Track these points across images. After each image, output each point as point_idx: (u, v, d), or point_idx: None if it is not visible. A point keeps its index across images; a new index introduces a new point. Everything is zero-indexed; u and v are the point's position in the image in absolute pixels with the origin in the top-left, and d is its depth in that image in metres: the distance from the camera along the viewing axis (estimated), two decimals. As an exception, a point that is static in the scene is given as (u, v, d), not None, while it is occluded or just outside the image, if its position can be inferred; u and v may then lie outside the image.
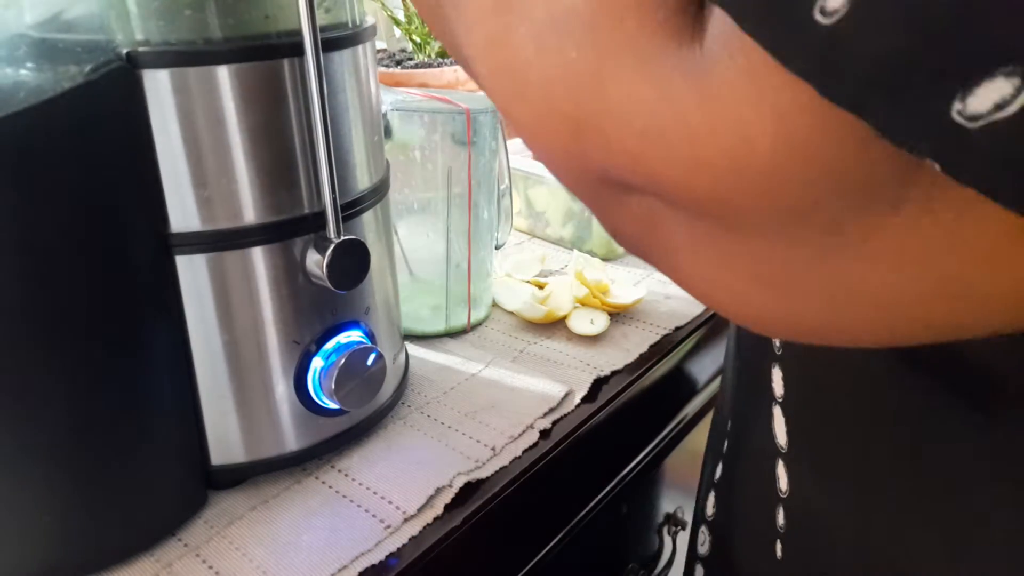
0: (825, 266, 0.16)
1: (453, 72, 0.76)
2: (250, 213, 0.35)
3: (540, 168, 0.69)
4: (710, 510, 0.38)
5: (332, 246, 0.36)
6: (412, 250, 0.53)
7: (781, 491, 0.31)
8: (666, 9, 0.15)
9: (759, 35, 0.13)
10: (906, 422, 0.26)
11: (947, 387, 0.24)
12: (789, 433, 0.31)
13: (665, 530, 0.65)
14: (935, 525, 0.26)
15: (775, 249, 0.16)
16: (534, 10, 0.17)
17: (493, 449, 0.43)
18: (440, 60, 0.80)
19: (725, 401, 0.39)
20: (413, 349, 0.53)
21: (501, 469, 0.41)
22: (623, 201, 0.19)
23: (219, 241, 0.35)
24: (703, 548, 0.39)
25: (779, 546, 0.32)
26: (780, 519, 0.32)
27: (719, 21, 0.14)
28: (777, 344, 0.31)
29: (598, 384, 0.49)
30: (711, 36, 0.14)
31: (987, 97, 0.11)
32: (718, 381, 0.61)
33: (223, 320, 0.37)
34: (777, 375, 0.31)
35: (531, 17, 0.17)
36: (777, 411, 0.31)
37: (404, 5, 0.80)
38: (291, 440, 0.40)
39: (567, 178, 0.19)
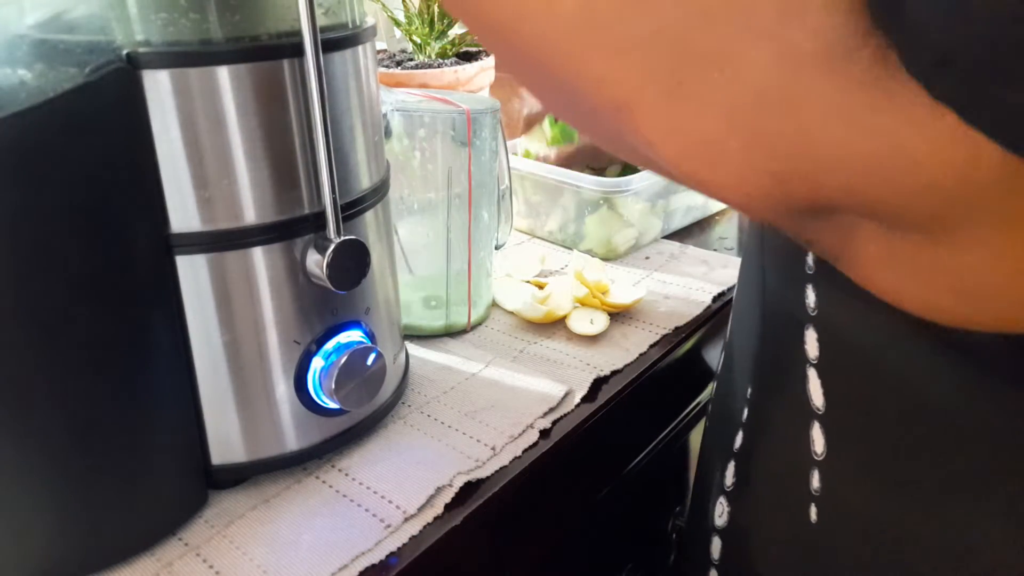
0: (1005, 266, 0.18)
1: (453, 72, 0.76)
2: (250, 213, 0.35)
3: (542, 168, 0.69)
4: (729, 480, 0.38)
5: (332, 246, 0.36)
6: (412, 250, 0.53)
7: (816, 453, 0.32)
8: (860, 65, 0.16)
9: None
10: (948, 380, 0.27)
11: (985, 358, 0.26)
12: (826, 394, 0.31)
13: (665, 530, 0.65)
14: (975, 487, 0.27)
15: (972, 259, 0.18)
16: (727, 93, 0.18)
17: (493, 449, 0.43)
18: (440, 61, 0.80)
19: (739, 367, 0.39)
20: (413, 349, 0.53)
21: (501, 469, 0.42)
22: (822, 219, 0.20)
23: (219, 241, 0.35)
24: (720, 520, 0.39)
25: (814, 509, 0.32)
26: (815, 482, 0.32)
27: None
28: (811, 305, 0.32)
29: (598, 384, 0.49)
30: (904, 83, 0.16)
31: None
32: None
33: (223, 320, 0.37)
34: (811, 336, 0.32)
35: (723, 101, 0.18)
36: (812, 373, 0.32)
37: (404, 5, 0.80)
38: (291, 440, 0.40)
39: (760, 216, 0.21)
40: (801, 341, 0.32)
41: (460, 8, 0.22)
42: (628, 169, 0.71)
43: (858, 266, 0.21)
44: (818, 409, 0.32)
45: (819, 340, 0.32)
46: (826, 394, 0.31)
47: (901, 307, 0.21)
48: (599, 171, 0.71)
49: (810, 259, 0.32)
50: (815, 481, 0.32)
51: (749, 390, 0.37)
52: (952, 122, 0.15)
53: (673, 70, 0.18)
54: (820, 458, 0.32)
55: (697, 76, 0.18)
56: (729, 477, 0.38)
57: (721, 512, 0.39)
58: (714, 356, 0.60)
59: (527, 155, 0.75)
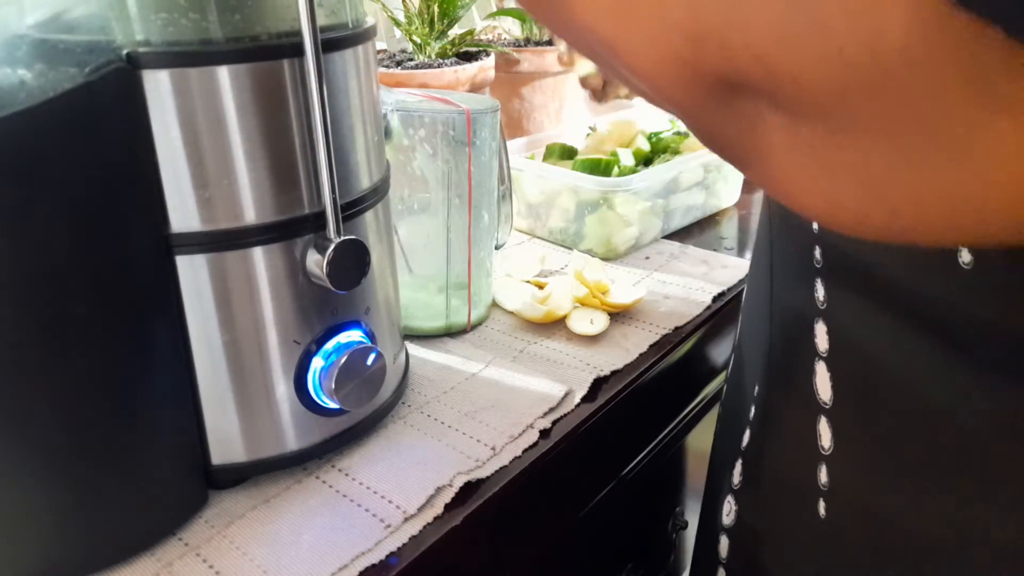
0: (928, 169, 0.17)
1: (453, 72, 0.76)
2: (250, 213, 0.35)
3: (542, 168, 0.69)
4: (736, 479, 0.38)
5: (332, 246, 0.36)
6: (412, 250, 0.53)
7: (824, 448, 0.32)
8: None
9: None
10: (948, 379, 0.27)
11: (989, 350, 0.26)
12: (835, 388, 0.31)
13: (665, 530, 0.65)
14: (980, 479, 0.27)
15: (880, 151, 0.17)
16: None
17: (493, 449, 0.43)
18: (440, 61, 0.80)
19: (747, 367, 0.39)
20: (413, 349, 0.53)
21: (501, 469, 0.42)
22: (727, 105, 0.19)
23: (219, 241, 0.35)
24: (728, 519, 0.39)
25: (822, 504, 0.32)
26: (823, 477, 0.32)
27: None
28: (821, 298, 0.31)
29: (598, 384, 0.49)
30: None
31: None
32: (718, 381, 0.61)
33: (223, 320, 0.37)
34: (821, 330, 0.32)
35: None
36: (821, 367, 0.32)
37: (404, 5, 0.80)
38: (291, 440, 0.40)
39: (668, 88, 0.20)
40: (811, 335, 0.32)
41: None
42: (628, 169, 0.71)
43: (764, 163, 0.20)
44: (825, 403, 0.32)
45: (829, 333, 0.31)
46: (834, 388, 0.31)
47: (806, 212, 0.20)
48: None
49: (818, 252, 0.32)
50: (823, 476, 0.32)
51: (756, 388, 0.37)
52: None
53: None
54: (828, 453, 0.32)
55: None
56: (736, 476, 0.38)
57: (729, 511, 0.39)
58: (714, 356, 0.60)
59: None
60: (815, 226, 0.32)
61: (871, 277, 0.29)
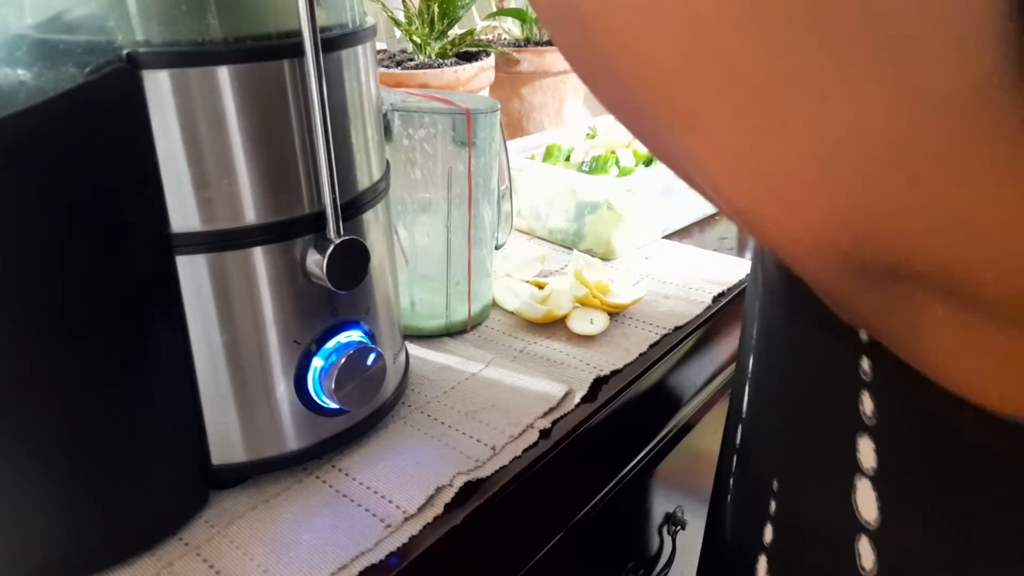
0: None
1: (453, 73, 0.76)
2: (251, 213, 0.35)
3: (542, 168, 0.69)
4: (762, 574, 0.34)
5: (332, 246, 0.36)
6: (412, 250, 0.53)
7: (864, 568, 0.27)
8: (1003, 115, 0.13)
9: None
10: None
11: None
12: (881, 509, 0.27)
13: (665, 530, 0.65)
14: None
15: None
16: (829, 128, 0.14)
17: (493, 449, 0.43)
18: (440, 61, 0.80)
19: (764, 455, 0.34)
20: (413, 349, 0.53)
21: (501, 468, 0.42)
22: (877, 288, 0.17)
23: (219, 241, 0.35)
24: None
25: None
26: None
27: None
28: (868, 413, 0.27)
29: (598, 384, 0.49)
30: None
31: None
32: (718, 381, 0.61)
33: (223, 320, 0.37)
34: (867, 446, 0.27)
35: (821, 136, 0.14)
36: (864, 484, 0.27)
37: (404, 5, 0.80)
38: (291, 440, 0.40)
39: (806, 264, 0.16)
40: (852, 450, 0.27)
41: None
42: (628, 169, 0.71)
43: (923, 352, 0.18)
44: (868, 524, 0.27)
45: (877, 452, 0.26)
46: (881, 509, 0.27)
47: (976, 400, 0.18)
48: None
49: (865, 364, 0.27)
50: None
51: (775, 484, 0.33)
52: None
53: (764, 80, 0.14)
54: (870, 573, 0.27)
55: (794, 100, 0.14)
56: (762, 572, 0.34)
57: None
58: (715, 355, 0.60)
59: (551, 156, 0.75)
60: (863, 335, 0.26)
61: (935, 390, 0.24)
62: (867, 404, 0.27)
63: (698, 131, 0.15)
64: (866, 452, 0.27)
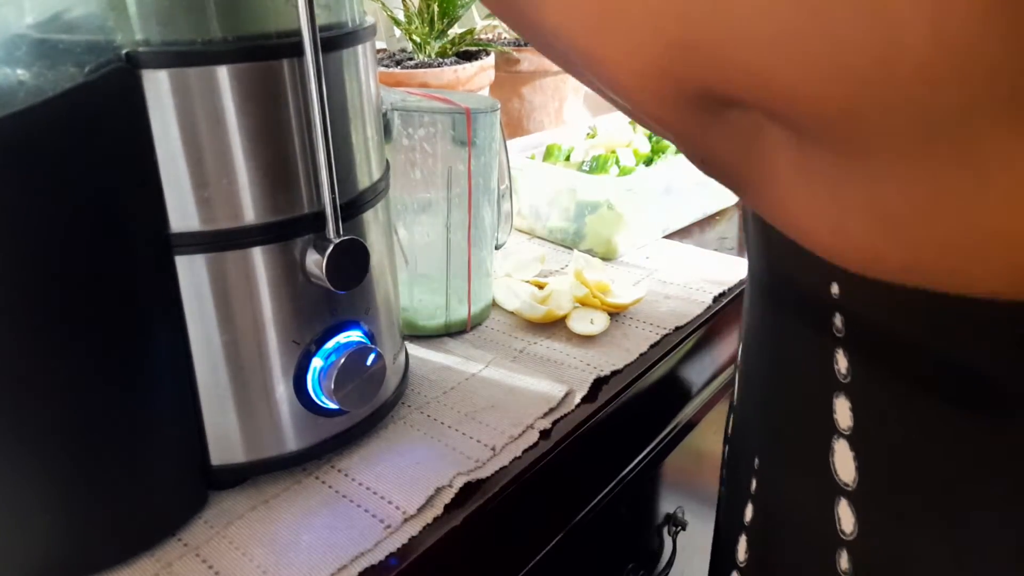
0: (949, 201, 0.15)
1: (453, 72, 0.76)
2: (250, 213, 0.35)
3: (542, 168, 0.69)
4: (742, 556, 0.35)
5: (331, 246, 0.36)
6: (412, 250, 0.53)
7: (844, 532, 0.28)
8: None
9: None
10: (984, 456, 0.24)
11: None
12: (858, 469, 0.27)
13: (665, 530, 0.65)
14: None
15: (896, 179, 0.15)
16: None
17: (493, 449, 0.43)
18: (440, 60, 0.80)
19: (748, 435, 0.35)
20: (413, 349, 0.53)
21: (501, 469, 0.41)
22: (721, 122, 0.17)
23: (219, 241, 0.35)
24: None
25: None
26: (843, 563, 0.29)
27: None
28: (843, 371, 0.27)
29: (598, 384, 0.49)
30: None
31: None
32: (719, 381, 0.61)
33: (223, 320, 0.37)
34: (843, 405, 0.28)
35: None
36: (841, 445, 0.28)
37: (404, 5, 0.80)
38: (291, 440, 0.40)
39: (648, 102, 0.17)
40: (829, 411, 0.28)
41: None
42: (628, 169, 0.71)
43: (765, 185, 0.18)
44: (847, 485, 0.28)
45: (853, 410, 0.27)
46: (857, 468, 0.27)
47: (810, 241, 0.18)
48: None
49: (838, 320, 0.28)
50: (843, 563, 0.29)
51: (756, 461, 0.34)
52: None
53: None
54: (850, 538, 0.28)
55: None
56: (742, 552, 0.35)
57: None
58: (715, 355, 0.60)
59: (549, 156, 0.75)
60: (834, 289, 0.27)
61: (903, 340, 0.25)
62: (841, 363, 0.27)
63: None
64: (842, 412, 0.27)
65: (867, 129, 0.15)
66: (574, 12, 0.17)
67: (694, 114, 0.17)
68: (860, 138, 0.15)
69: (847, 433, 0.28)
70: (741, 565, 0.36)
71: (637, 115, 0.19)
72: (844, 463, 0.28)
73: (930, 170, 0.15)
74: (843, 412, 0.28)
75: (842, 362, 0.27)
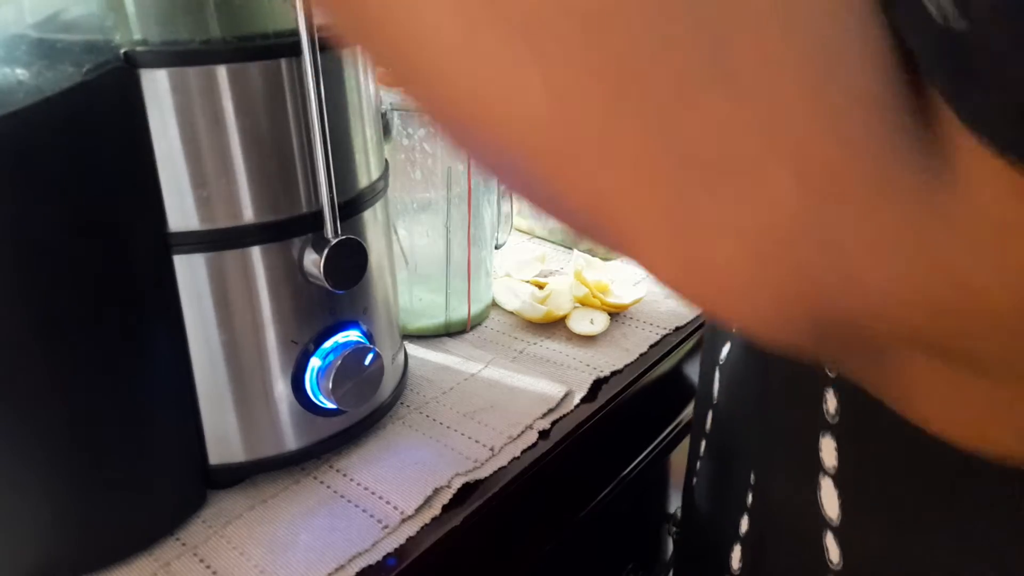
0: None
1: (454, 72, 0.76)
2: (248, 212, 0.35)
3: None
4: (736, 564, 0.36)
5: (329, 246, 0.36)
6: (412, 250, 0.53)
7: (831, 562, 0.29)
8: (906, 179, 0.13)
9: None
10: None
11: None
12: (842, 507, 0.29)
13: (665, 530, 0.65)
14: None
15: None
16: (747, 217, 0.14)
17: (492, 450, 0.42)
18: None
19: (738, 448, 0.36)
20: (412, 349, 0.53)
21: (500, 469, 0.41)
22: (847, 345, 0.17)
23: (217, 241, 0.35)
24: None
25: None
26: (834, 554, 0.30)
27: (974, 160, 0.13)
28: (831, 411, 0.28)
29: (598, 384, 0.49)
30: (967, 175, 0.13)
31: None
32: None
33: (221, 319, 0.37)
34: (828, 445, 0.29)
35: (742, 226, 0.14)
36: (827, 483, 0.29)
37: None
38: (289, 440, 0.40)
39: (791, 338, 0.17)
40: (815, 449, 0.29)
41: (418, 91, 0.16)
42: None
43: (899, 396, 0.18)
44: (831, 521, 0.29)
45: (838, 451, 0.29)
46: (842, 506, 0.29)
47: (949, 439, 0.18)
48: None
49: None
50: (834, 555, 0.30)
51: (753, 477, 0.34)
52: (1018, 243, 0.13)
53: (674, 186, 0.14)
54: (836, 568, 0.29)
55: (705, 195, 0.14)
56: (735, 561, 0.36)
57: None
58: (714, 357, 0.60)
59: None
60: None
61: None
62: (831, 403, 0.28)
63: (626, 236, 0.16)
64: (828, 451, 0.29)
65: (1015, 364, 0.15)
66: (692, 279, 0.16)
67: (820, 342, 0.17)
68: (1009, 371, 0.15)
69: (832, 472, 0.29)
70: (736, 572, 0.36)
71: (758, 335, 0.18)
72: (829, 499, 0.29)
73: None
74: (829, 451, 0.29)
75: (831, 402, 0.28)
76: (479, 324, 0.56)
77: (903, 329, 0.15)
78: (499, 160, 0.16)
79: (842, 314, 0.15)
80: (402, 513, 0.38)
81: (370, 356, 0.40)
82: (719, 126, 0.13)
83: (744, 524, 0.35)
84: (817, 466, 0.29)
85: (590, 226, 0.16)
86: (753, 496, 0.34)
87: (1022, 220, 0.13)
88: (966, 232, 0.13)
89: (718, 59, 0.13)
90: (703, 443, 0.40)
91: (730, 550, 0.36)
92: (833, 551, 0.29)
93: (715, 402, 0.38)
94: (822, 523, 0.29)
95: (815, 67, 0.13)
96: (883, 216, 0.14)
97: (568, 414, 0.46)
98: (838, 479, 0.29)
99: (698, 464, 0.41)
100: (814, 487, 0.29)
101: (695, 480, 0.42)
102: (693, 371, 0.58)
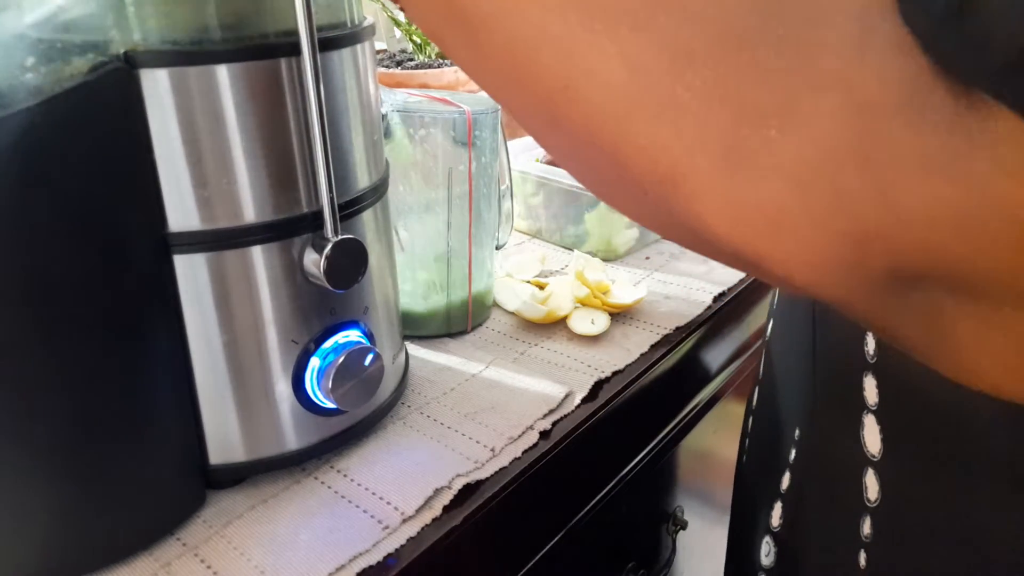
0: None
1: (453, 73, 0.76)
2: (249, 212, 0.35)
3: (542, 169, 0.69)
4: (776, 521, 0.38)
5: (329, 245, 0.36)
6: (412, 250, 0.53)
7: (869, 500, 0.31)
8: (934, 107, 0.15)
9: None
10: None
11: None
12: (884, 440, 0.30)
13: (665, 530, 0.65)
14: None
15: None
16: (790, 153, 0.16)
17: (492, 450, 0.42)
18: (440, 61, 0.80)
19: (782, 407, 0.38)
20: (413, 349, 0.53)
21: (500, 470, 0.41)
22: (904, 299, 0.18)
23: (218, 240, 0.35)
24: (767, 559, 0.39)
25: (863, 555, 0.32)
26: (866, 528, 0.31)
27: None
28: (871, 352, 0.30)
29: (599, 385, 0.49)
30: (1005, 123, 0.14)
31: None
32: (719, 380, 0.61)
33: (222, 319, 0.36)
34: (871, 384, 0.31)
35: (785, 162, 0.16)
36: (870, 419, 0.31)
37: (405, 5, 0.80)
38: (290, 440, 0.40)
39: (834, 291, 0.18)
40: (860, 388, 0.31)
41: (500, 78, 0.19)
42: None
43: (948, 353, 0.19)
44: (873, 456, 0.31)
45: (879, 387, 0.30)
46: (883, 440, 0.30)
47: (1003, 396, 0.19)
48: None
49: None
50: (866, 528, 0.32)
51: (797, 432, 0.36)
52: None
53: (725, 131, 0.16)
54: (873, 505, 0.31)
55: (754, 136, 0.16)
56: (776, 518, 0.38)
57: (768, 552, 0.38)
58: (715, 355, 0.60)
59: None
60: None
61: None
62: (870, 343, 0.31)
63: (679, 187, 0.17)
64: (870, 389, 0.31)
65: None
66: (736, 220, 0.17)
67: (880, 296, 0.18)
68: None
69: (874, 409, 0.31)
70: (775, 530, 0.38)
71: (818, 295, 0.19)
72: (872, 436, 0.31)
73: None
74: (870, 390, 0.31)
75: (870, 343, 0.30)
76: (480, 325, 0.56)
77: (946, 261, 0.16)
78: (573, 134, 0.18)
79: (885, 250, 0.16)
80: (403, 513, 0.38)
81: (370, 356, 0.40)
82: (769, 75, 0.15)
83: (785, 481, 0.37)
84: (861, 404, 0.31)
85: (651, 186, 0.18)
86: (796, 451, 0.36)
87: None
88: (1002, 157, 0.14)
89: (769, 23, 0.15)
90: (750, 420, 0.43)
91: (771, 510, 0.38)
92: (872, 488, 0.31)
93: (760, 378, 0.41)
94: (863, 460, 0.31)
95: (858, 21, 0.15)
96: (918, 142, 0.15)
97: (569, 414, 0.46)
98: (879, 414, 0.30)
99: (746, 442, 0.43)
100: (857, 426, 0.31)
101: (744, 457, 0.44)
102: (693, 371, 0.58)
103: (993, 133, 0.15)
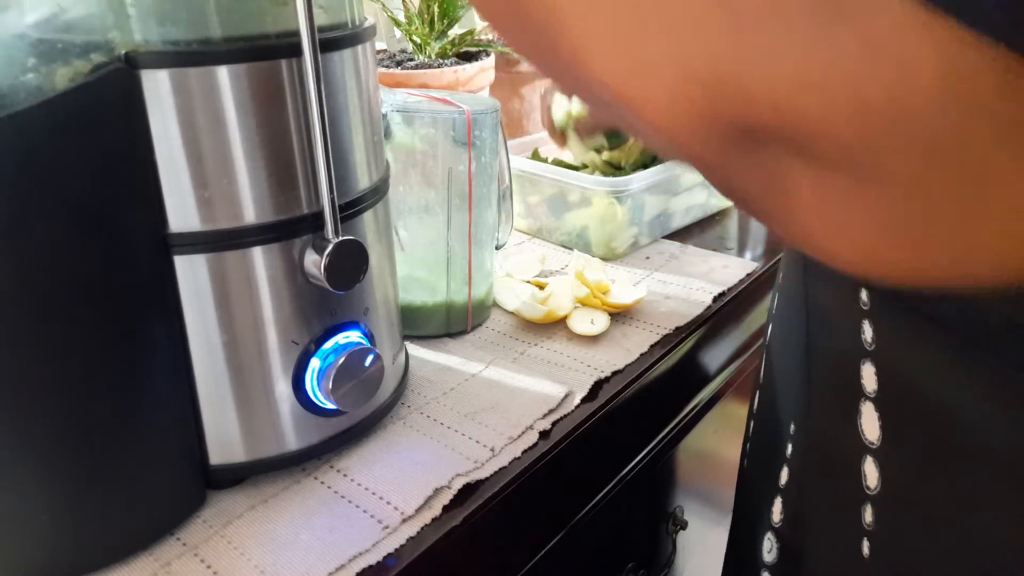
0: (963, 214, 0.17)
1: (453, 73, 0.76)
2: (249, 213, 0.35)
3: (542, 168, 0.69)
4: (776, 516, 0.38)
5: (330, 246, 0.36)
6: (412, 251, 0.53)
7: (869, 488, 0.31)
8: None
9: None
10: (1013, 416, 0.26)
11: None
12: (883, 428, 0.31)
13: (665, 530, 0.65)
14: None
15: (912, 198, 0.17)
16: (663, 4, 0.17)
17: (492, 450, 0.42)
18: (440, 61, 0.80)
19: (780, 405, 0.38)
20: (413, 349, 0.53)
21: (500, 470, 0.41)
22: (749, 156, 0.19)
23: (218, 241, 0.35)
24: (770, 556, 0.39)
25: (866, 544, 0.32)
26: (868, 516, 0.32)
27: None
28: (868, 339, 0.31)
29: (599, 385, 0.49)
30: None
31: None
32: (718, 381, 0.61)
33: (222, 320, 0.37)
34: (869, 371, 0.31)
35: (659, 13, 0.17)
36: (868, 407, 0.31)
37: (404, 5, 0.80)
38: (290, 440, 0.40)
39: (687, 141, 0.19)
40: (857, 376, 0.32)
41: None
42: (629, 168, 0.71)
43: (790, 215, 0.20)
44: (871, 444, 0.31)
45: (878, 375, 0.31)
46: (882, 428, 0.31)
47: (832, 260, 0.20)
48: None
49: (864, 295, 0.31)
50: (868, 516, 0.32)
51: (792, 426, 0.37)
52: (898, 39, 0.15)
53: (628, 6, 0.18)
54: (873, 492, 0.31)
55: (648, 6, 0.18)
56: (777, 514, 0.38)
57: (771, 548, 0.39)
58: (715, 355, 0.60)
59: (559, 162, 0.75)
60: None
61: (922, 312, 0.29)
62: (867, 331, 0.31)
63: (576, 47, 0.19)
64: (868, 377, 0.31)
65: (881, 156, 0.16)
66: (611, 62, 0.19)
67: (727, 151, 0.19)
68: (875, 165, 0.17)
69: (872, 396, 0.31)
70: (777, 525, 0.38)
71: (676, 153, 0.20)
72: (870, 424, 0.31)
73: (942, 191, 0.16)
74: (869, 378, 0.31)
75: (868, 331, 0.31)
76: (480, 325, 0.56)
77: (791, 120, 0.17)
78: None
79: (735, 97, 0.17)
80: (402, 513, 0.38)
81: (370, 357, 0.40)
82: None
83: (784, 476, 0.37)
84: (858, 392, 0.31)
85: (557, 54, 0.20)
86: (793, 445, 0.36)
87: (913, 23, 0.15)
88: (868, 32, 0.15)
89: None
90: (751, 424, 0.43)
91: (771, 506, 0.38)
92: (872, 476, 0.31)
93: (761, 382, 0.41)
94: (861, 448, 0.31)
95: None
96: (782, 24, 0.16)
97: (569, 414, 0.46)
98: (878, 401, 0.31)
99: (747, 445, 0.44)
100: (855, 414, 0.32)
101: (746, 462, 0.44)
102: (693, 371, 0.58)
103: (870, 10, 0.15)
